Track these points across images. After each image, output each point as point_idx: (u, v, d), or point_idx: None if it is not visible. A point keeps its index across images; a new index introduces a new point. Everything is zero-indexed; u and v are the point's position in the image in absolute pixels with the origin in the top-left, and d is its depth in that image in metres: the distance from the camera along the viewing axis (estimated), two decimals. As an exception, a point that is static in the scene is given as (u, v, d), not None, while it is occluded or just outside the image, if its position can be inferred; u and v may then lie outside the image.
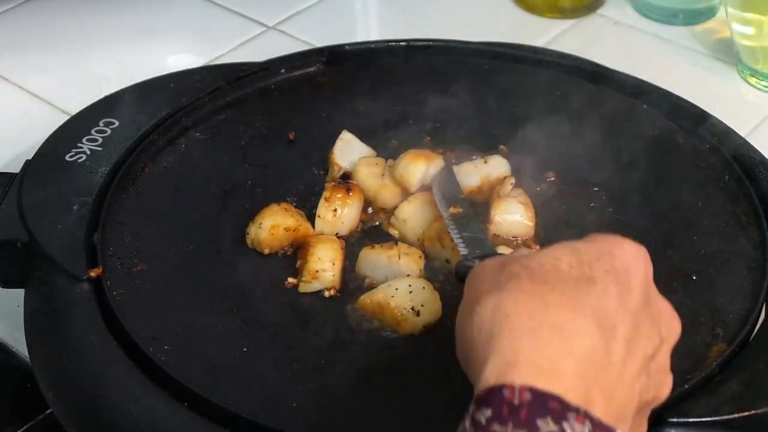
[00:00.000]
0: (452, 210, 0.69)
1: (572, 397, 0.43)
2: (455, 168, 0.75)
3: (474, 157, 0.76)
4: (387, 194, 0.74)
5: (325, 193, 0.72)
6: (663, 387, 0.51)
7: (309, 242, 0.69)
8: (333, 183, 0.74)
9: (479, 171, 0.75)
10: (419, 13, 1.08)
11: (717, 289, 0.66)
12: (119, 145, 0.75)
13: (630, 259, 0.50)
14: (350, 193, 0.72)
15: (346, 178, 0.74)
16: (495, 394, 0.43)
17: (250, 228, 0.70)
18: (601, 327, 0.46)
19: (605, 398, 0.45)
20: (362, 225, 0.74)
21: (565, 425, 0.42)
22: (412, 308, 0.64)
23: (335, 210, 0.72)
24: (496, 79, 0.84)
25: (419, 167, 0.73)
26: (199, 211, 0.73)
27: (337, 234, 0.72)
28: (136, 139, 0.76)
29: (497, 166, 0.76)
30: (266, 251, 0.70)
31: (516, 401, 0.42)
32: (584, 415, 0.42)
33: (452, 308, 0.66)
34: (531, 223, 0.71)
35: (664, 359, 0.51)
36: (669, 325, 0.51)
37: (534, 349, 0.44)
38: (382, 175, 0.75)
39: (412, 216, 0.71)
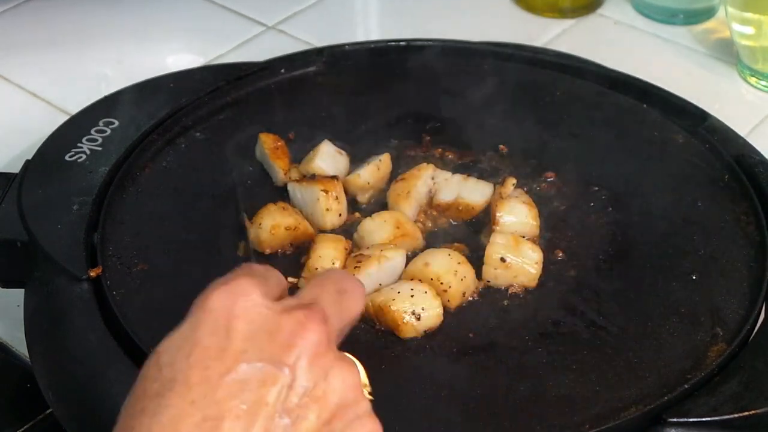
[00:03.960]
0: None
1: None
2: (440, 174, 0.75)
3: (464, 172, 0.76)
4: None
5: (319, 188, 0.72)
6: None
7: (315, 239, 0.69)
8: (305, 179, 0.73)
9: (458, 188, 0.74)
10: (419, 13, 1.08)
11: (717, 289, 0.66)
12: (119, 145, 0.75)
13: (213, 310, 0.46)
14: (336, 179, 0.73)
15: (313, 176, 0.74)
16: None
17: (250, 229, 0.70)
18: None
19: None
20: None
21: None
22: (413, 312, 0.64)
23: (337, 198, 0.72)
24: (496, 79, 0.84)
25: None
26: (199, 211, 0.73)
27: (347, 221, 0.73)
28: (136, 139, 0.76)
29: (477, 191, 0.74)
30: (267, 251, 0.70)
31: None
32: None
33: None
34: (535, 222, 0.71)
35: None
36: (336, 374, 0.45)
37: None
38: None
39: (368, 234, 0.70)
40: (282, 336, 0.45)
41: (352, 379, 0.46)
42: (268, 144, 0.76)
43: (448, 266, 0.67)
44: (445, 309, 0.65)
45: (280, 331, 0.45)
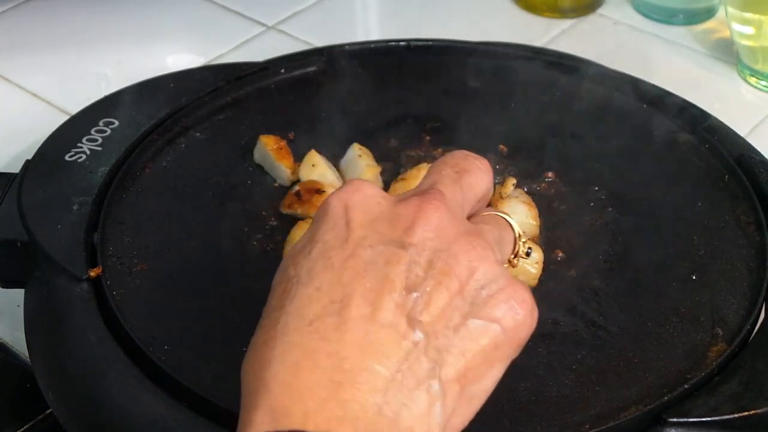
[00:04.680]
0: None
1: (313, 424, 0.40)
2: None
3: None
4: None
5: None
6: (503, 312, 0.45)
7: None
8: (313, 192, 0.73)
9: None
10: (419, 13, 1.08)
11: (717, 289, 0.66)
12: (119, 145, 0.75)
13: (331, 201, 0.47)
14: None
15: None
16: None
17: None
18: (321, 319, 0.43)
19: (354, 391, 0.41)
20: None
21: None
22: None
23: None
24: (496, 79, 0.84)
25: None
26: (199, 211, 0.73)
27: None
28: (136, 139, 0.76)
29: None
30: None
31: None
32: None
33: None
34: (536, 222, 0.71)
35: (487, 284, 0.45)
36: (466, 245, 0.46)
37: (271, 392, 0.43)
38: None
39: None
40: (401, 221, 0.45)
41: (478, 251, 0.46)
42: (270, 145, 0.76)
43: None
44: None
45: (399, 217, 0.46)
